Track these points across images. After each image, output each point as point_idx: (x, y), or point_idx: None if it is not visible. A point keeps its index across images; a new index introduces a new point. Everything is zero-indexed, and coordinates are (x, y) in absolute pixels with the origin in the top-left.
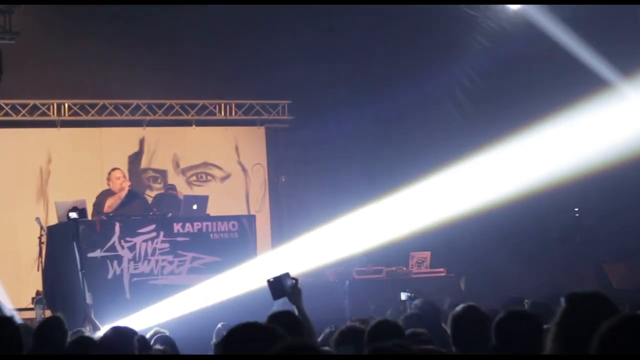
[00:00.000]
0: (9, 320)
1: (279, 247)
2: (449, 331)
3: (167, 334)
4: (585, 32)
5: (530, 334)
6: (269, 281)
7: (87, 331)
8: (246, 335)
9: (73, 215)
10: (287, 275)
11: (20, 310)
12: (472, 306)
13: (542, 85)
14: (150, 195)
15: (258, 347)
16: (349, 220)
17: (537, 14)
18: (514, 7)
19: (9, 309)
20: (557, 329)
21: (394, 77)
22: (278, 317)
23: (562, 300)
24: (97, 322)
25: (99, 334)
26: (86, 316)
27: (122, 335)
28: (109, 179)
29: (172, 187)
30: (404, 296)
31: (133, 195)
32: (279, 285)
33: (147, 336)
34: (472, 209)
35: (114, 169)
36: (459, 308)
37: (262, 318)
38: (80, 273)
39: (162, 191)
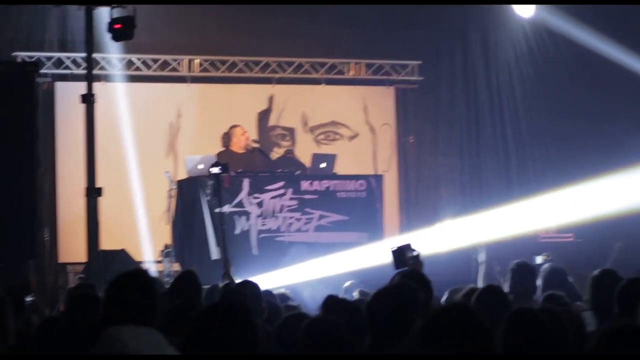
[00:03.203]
0: (144, 272)
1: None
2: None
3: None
4: None
5: None
6: (392, 251)
7: None
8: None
9: (215, 170)
10: (409, 246)
11: (148, 262)
12: (610, 270)
13: None
14: (278, 152)
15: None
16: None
17: None
18: None
19: (137, 262)
20: None
21: None
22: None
23: None
24: (234, 278)
25: None
26: (225, 272)
27: (252, 289)
28: (231, 135)
29: (291, 152)
30: (539, 259)
31: (257, 152)
32: (402, 256)
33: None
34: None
35: (235, 126)
36: (597, 272)
37: None
38: (221, 228)
39: (285, 152)
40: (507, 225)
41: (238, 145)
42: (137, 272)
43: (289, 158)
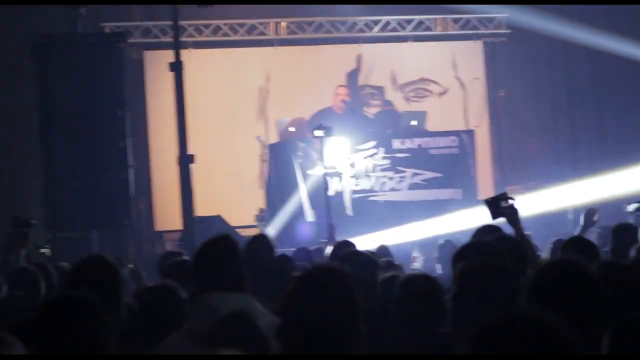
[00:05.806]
0: (229, 237)
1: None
2: None
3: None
4: None
5: None
6: (486, 201)
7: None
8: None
9: (318, 133)
10: (504, 195)
11: (243, 227)
12: None
13: None
14: (368, 112)
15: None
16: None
17: None
18: None
19: (233, 227)
20: None
21: None
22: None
23: None
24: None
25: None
26: (330, 236)
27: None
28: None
29: (389, 103)
30: (632, 207)
31: (351, 112)
32: (497, 206)
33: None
34: None
35: (340, 86)
36: None
37: None
38: (324, 192)
39: (379, 108)
40: (604, 188)
41: (334, 102)
42: (222, 237)
43: (389, 111)
